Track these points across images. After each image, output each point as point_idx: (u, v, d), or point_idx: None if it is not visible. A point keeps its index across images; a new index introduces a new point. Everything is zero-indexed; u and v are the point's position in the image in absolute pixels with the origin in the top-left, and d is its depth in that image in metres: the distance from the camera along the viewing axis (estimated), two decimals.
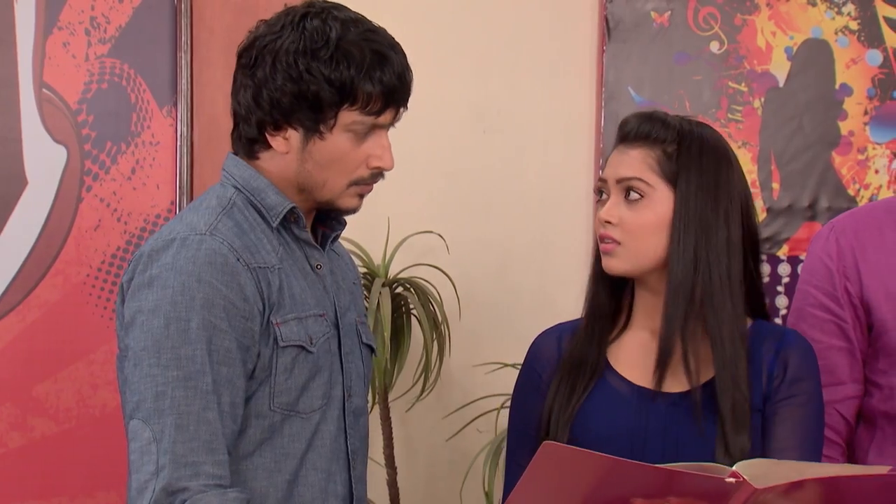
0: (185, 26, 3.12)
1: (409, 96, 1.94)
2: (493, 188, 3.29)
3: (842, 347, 2.04)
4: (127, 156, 3.13)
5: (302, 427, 1.91)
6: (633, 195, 1.93)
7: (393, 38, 1.95)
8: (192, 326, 1.81)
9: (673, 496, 1.66)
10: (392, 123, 1.95)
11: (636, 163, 1.94)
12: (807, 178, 3.31)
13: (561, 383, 1.96)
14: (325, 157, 1.90)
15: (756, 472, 1.63)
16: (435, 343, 3.14)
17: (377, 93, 1.88)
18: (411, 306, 3.16)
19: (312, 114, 1.88)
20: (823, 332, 2.05)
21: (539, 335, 2.05)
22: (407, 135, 3.32)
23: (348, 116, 1.88)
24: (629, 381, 1.94)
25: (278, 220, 1.92)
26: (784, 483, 1.62)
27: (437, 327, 3.14)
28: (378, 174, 1.95)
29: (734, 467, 1.64)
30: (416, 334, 3.17)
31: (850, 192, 3.30)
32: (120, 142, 3.12)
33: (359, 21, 1.92)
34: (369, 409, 3.12)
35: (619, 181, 1.94)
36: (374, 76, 1.87)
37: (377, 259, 3.19)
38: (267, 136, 1.92)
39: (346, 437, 1.97)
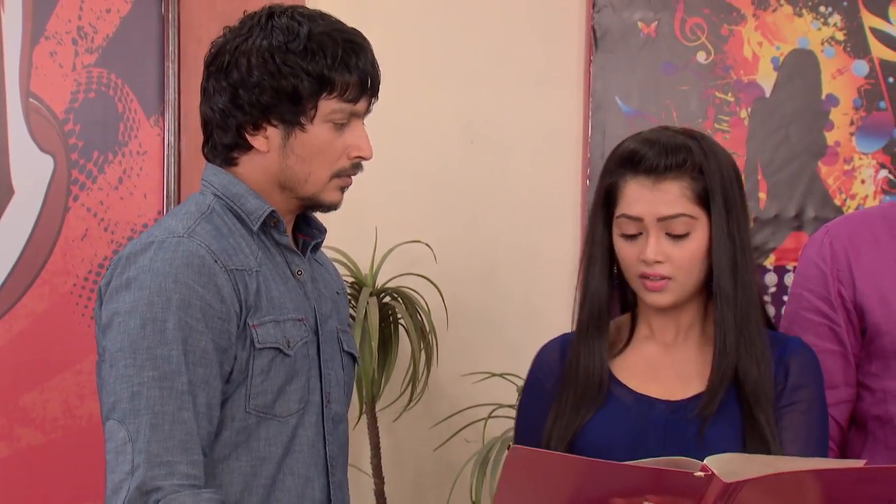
0: (173, 36, 3.13)
1: (379, 87, 1.98)
2: (481, 198, 3.29)
3: (835, 351, 2.05)
4: (114, 165, 3.13)
5: (279, 431, 1.91)
6: (680, 230, 1.90)
7: (359, 31, 1.99)
8: (169, 327, 1.82)
9: (650, 494, 1.67)
10: (366, 113, 1.98)
11: (675, 198, 1.89)
12: (793, 188, 3.32)
13: (565, 399, 1.95)
14: (308, 149, 1.92)
15: (727, 466, 1.63)
16: (422, 353, 3.14)
17: (353, 80, 1.92)
18: (399, 316, 3.16)
19: (292, 107, 1.90)
20: (817, 335, 2.05)
21: (543, 346, 2.05)
22: (395, 144, 3.34)
23: (327, 105, 1.91)
24: (643, 394, 1.94)
25: (258, 223, 1.93)
26: (755, 477, 1.62)
27: (424, 337, 3.14)
28: (358, 165, 1.97)
29: (704, 461, 1.64)
30: (404, 344, 3.17)
31: (837, 202, 3.31)
32: (107, 151, 3.12)
33: (324, 16, 1.96)
34: (356, 419, 3.14)
35: (660, 220, 1.90)
36: (349, 63, 1.91)
37: (364, 269, 3.19)
38: (247, 136, 1.94)
39: (324, 443, 1.97)
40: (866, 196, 3.31)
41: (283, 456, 1.92)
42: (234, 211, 1.94)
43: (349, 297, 3.13)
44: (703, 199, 1.91)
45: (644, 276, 1.91)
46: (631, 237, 1.92)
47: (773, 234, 3.29)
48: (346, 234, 3.27)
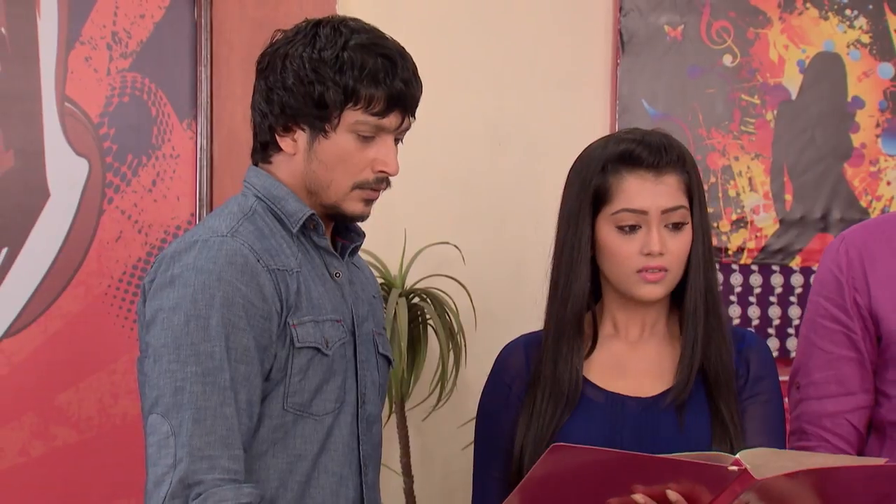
0: (205, 41, 3.17)
1: (415, 104, 1.99)
2: (508, 200, 3.32)
3: (852, 358, 2.06)
4: (148, 168, 3.17)
5: (314, 429, 1.94)
6: (678, 222, 1.96)
7: (402, 48, 2.00)
8: (212, 324, 1.85)
9: (674, 484, 1.70)
10: (399, 130, 1.99)
11: (675, 191, 1.96)
12: (819, 189, 3.34)
13: (539, 401, 1.96)
14: (330, 156, 1.95)
15: (757, 461, 1.66)
16: (451, 353, 3.16)
17: (379, 94, 1.93)
18: (427, 317, 3.19)
19: (318, 112, 1.94)
20: (834, 342, 2.07)
21: (505, 348, 2.08)
22: (424, 147, 3.37)
23: (352, 116, 1.94)
24: (613, 393, 1.96)
25: (298, 226, 1.97)
26: (782, 474, 1.65)
27: (452, 337, 3.17)
28: (383, 179, 1.99)
29: (737, 455, 1.67)
30: (433, 344, 3.20)
31: (863, 203, 3.33)
32: (141, 154, 3.16)
33: (369, 30, 1.98)
34: (386, 418, 3.17)
35: (664, 212, 1.95)
36: (377, 78, 1.93)
37: (394, 270, 3.22)
38: (277, 137, 1.98)
39: (358, 442, 1.99)
40: (892, 197, 3.32)
41: (319, 454, 1.95)
42: (274, 213, 1.98)
43: None
44: (689, 194, 1.98)
45: (643, 270, 1.94)
46: (629, 232, 1.95)
47: (798, 235, 3.30)
48: (375, 236, 3.29)
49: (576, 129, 3.31)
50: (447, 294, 3.21)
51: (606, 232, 1.96)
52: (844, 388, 2.06)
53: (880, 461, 1.74)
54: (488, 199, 3.33)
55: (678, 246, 1.95)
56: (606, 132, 3.30)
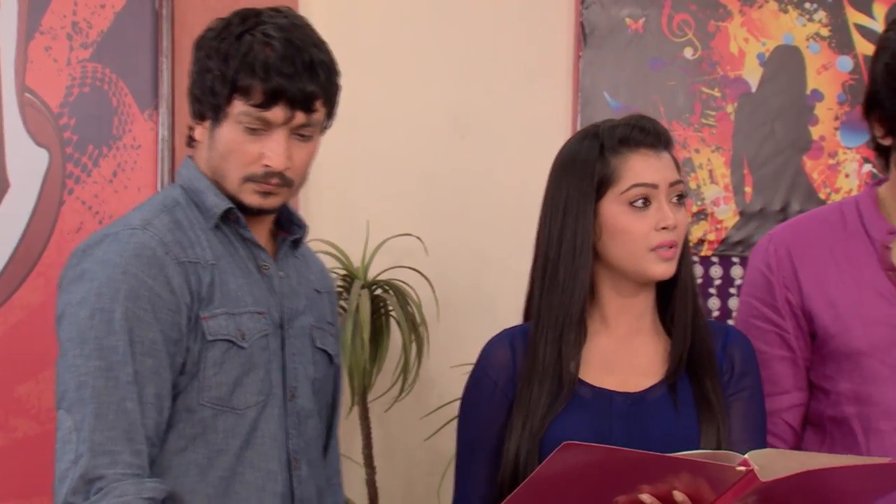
0: (167, 31, 3.15)
1: (307, 99, 1.92)
2: (471, 191, 3.33)
3: (784, 357, 2.08)
4: (108, 159, 3.16)
5: (237, 423, 1.92)
6: (681, 195, 1.98)
7: (309, 41, 1.94)
8: (116, 317, 1.84)
9: (680, 484, 1.71)
10: (292, 124, 1.93)
11: (674, 165, 1.98)
12: (779, 181, 3.36)
13: (535, 396, 1.95)
14: (222, 147, 1.94)
15: (764, 462, 1.67)
16: (413, 344, 3.17)
17: (257, 86, 1.90)
18: (390, 308, 3.19)
19: (213, 102, 1.93)
20: (766, 342, 2.08)
21: (490, 342, 2.05)
22: (386, 139, 3.38)
23: (236, 107, 1.91)
24: (602, 388, 1.96)
25: (213, 220, 1.95)
26: (786, 475, 1.66)
27: (415, 329, 3.18)
28: (272, 174, 1.93)
29: (746, 455, 1.68)
30: (395, 336, 3.21)
31: (822, 195, 3.36)
32: (101, 145, 3.14)
33: (281, 22, 1.94)
34: (348, 410, 3.17)
35: (671, 184, 1.96)
36: (254, 70, 1.89)
37: (356, 261, 3.22)
38: (194, 125, 1.99)
39: (287, 437, 1.97)
40: (850, 190, 3.35)
41: (243, 449, 1.92)
42: (197, 204, 1.96)
43: (341, 289, 3.17)
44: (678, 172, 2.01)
45: (659, 246, 1.95)
46: (642, 208, 1.95)
47: (758, 227, 3.33)
48: (338, 228, 3.31)
49: (538, 121, 3.32)
50: (410, 286, 3.21)
51: (617, 213, 1.96)
52: (779, 387, 2.08)
53: (884, 460, 1.77)
54: (451, 191, 3.34)
55: (684, 220, 1.97)
56: (568, 124, 3.32)
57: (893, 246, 2.03)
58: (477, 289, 3.31)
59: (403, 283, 3.21)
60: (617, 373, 1.98)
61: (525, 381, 1.97)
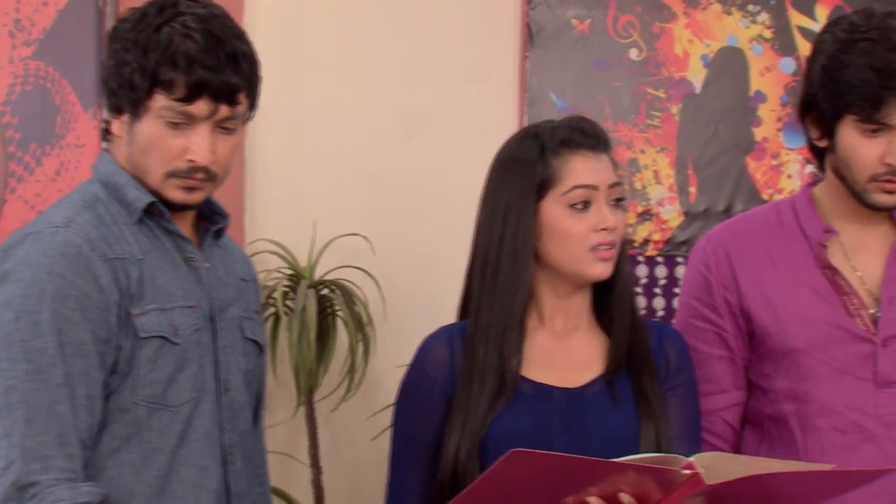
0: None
1: (231, 91, 1.87)
2: (418, 191, 3.33)
3: (723, 356, 2.10)
4: (51, 158, 3.13)
5: (171, 421, 1.88)
6: (619, 198, 1.99)
7: (230, 32, 1.90)
8: (43, 319, 1.80)
9: (627, 487, 1.72)
10: (216, 118, 1.88)
11: (612, 167, 2.00)
12: (723, 182, 3.39)
13: (476, 395, 1.95)
14: (143, 142, 1.89)
15: (709, 465, 1.69)
16: (360, 344, 3.17)
17: (180, 79, 1.85)
18: (337, 308, 3.19)
19: (131, 96, 1.88)
20: (705, 342, 2.10)
21: (427, 339, 2.05)
22: (333, 138, 3.37)
23: (157, 101, 1.86)
24: (541, 384, 1.97)
25: (136, 215, 1.91)
26: (730, 479, 1.68)
27: (362, 328, 3.18)
28: (196, 169, 1.89)
29: (691, 458, 1.70)
30: (342, 335, 3.21)
31: (764, 196, 3.39)
32: (44, 144, 3.12)
33: (199, 13, 1.89)
34: (294, 410, 3.17)
35: (610, 186, 1.98)
36: (177, 62, 1.84)
37: (303, 261, 3.21)
38: (111, 119, 1.93)
39: (221, 431, 1.94)
40: (792, 190, 3.38)
41: (178, 446, 1.89)
42: (118, 199, 1.92)
43: (287, 289, 3.17)
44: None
45: (598, 246, 1.96)
46: (581, 210, 1.97)
47: (702, 227, 3.35)
48: (284, 227, 3.30)
49: (485, 121, 3.33)
50: (356, 285, 3.21)
51: (558, 214, 1.97)
52: (718, 386, 2.10)
53: (827, 467, 1.79)
54: (398, 191, 3.34)
55: (621, 222, 1.99)
56: (515, 124, 3.32)
57: (830, 245, 2.05)
58: (424, 288, 3.31)
59: (350, 282, 3.21)
60: (556, 368, 2.00)
61: (465, 379, 1.97)
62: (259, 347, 2.05)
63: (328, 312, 3.20)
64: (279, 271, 3.22)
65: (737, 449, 2.12)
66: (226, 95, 1.87)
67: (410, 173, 3.34)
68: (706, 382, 2.09)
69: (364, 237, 3.26)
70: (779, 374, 2.06)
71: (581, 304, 2.02)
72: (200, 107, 1.86)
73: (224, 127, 1.90)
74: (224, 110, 1.88)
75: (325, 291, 3.20)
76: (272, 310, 3.16)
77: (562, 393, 1.97)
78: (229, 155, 1.93)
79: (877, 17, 1.95)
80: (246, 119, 1.95)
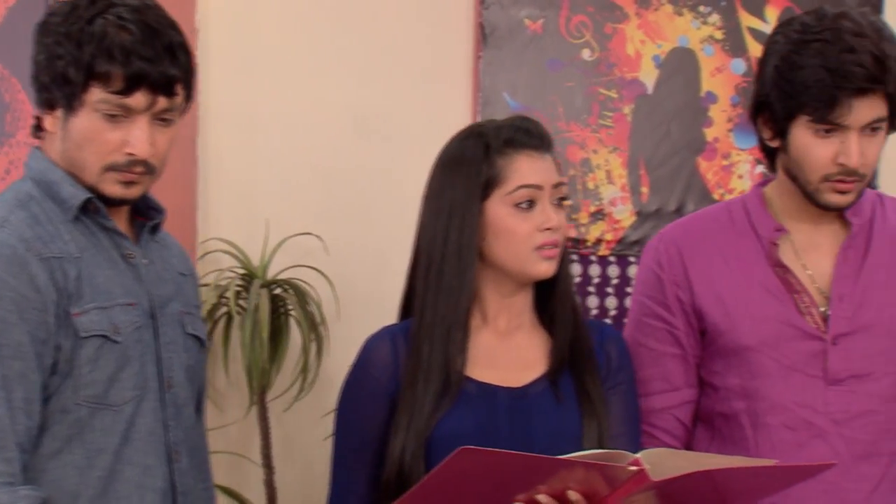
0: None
1: (169, 83, 1.86)
2: (372, 191, 3.33)
3: (675, 354, 2.11)
4: (0, 156, 3.10)
5: (114, 420, 1.86)
6: (562, 197, 2.00)
7: (164, 23, 1.89)
8: None
9: (575, 484, 1.73)
10: (154, 110, 1.87)
11: (556, 168, 2.01)
12: (674, 182, 3.42)
13: (421, 395, 1.96)
14: (79, 136, 1.86)
15: (655, 461, 1.70)
16: (313, 344, 3.17)
17: (117, 72, 1.82)
18: (290, 307, 3.18)
19: (65, 90, 1.84)
20: (658, 340, 2.12)
21: (370, 339, 2.06)
22: (286, 137, 3.36)
23: (94, 94, 1.83)
24: (486, 383, 1.98)
25: (72, 212, 1.88)
26: (676, 475, 1.69)
27: (315, 328, 3.17)
28: (136, 162, 1.87)
29: (638, 455, 1.71)
30: (295, 335, 3.20)
31: (716, 196, 3.41)
32: None
33: (131, 5, 1.87)
34: (246, 410, 3.16)
35: (554, 186, 1.99)
36: (113, 54, 1.82)
37: (256, 260, 3.20)
38: (42, 114, 1.90)
39: (166, 429, 1.92)
40: (743, 190, 3.39)
41: (121, 446, 1.87)
42: (52, 197, 1.88)
43: (240, 288, 3.16)
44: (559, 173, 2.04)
45: (543, 246, 1.97)
46: (526, 209, 1.97)
47: (654, 227, 3.37)
48: (236, 227, 3.29)
49: (439, 121, 3.32)
50: (310, 285, 3.20)
51: (503, 213, 1.98)
52: (670, 384, 2.12)
53: (769, 462, 1.81)
54: (351, 190, 3.34)
55: (564, 221, 2.01)
56: (469, 124, 3.32)
57: (781, 243, 2.07)
58: (377, 288, 3.30)
59: (303, 282, 3.21)
60: (499, 367, 2.00)
61: (410, 379, 1.97)
62: (200, 342, 2.03)
63: (281, 312, 3.19)
64: (232, 270, 3.21)
65: (688, 446, 2.14)
66: (164, 87, 1.85)
67: (364, 172, 3.34)
68: (658, 380, 2.11)
69: (317, 236, 3.25)
70: (730, 372, 2.07)
71: (523, 302, 2.03)
72: (139, 99, 1.84)
73: (162, 118, 1.88)
74: (162, 102, 1.86)
75: (278, 291, 3.19)
76: (224, 309, 3.15)
77: (506, 392, 1.98)
78: (167, 148, 1.91)
79: (829, 18, 1.97)
80: (183, 111, 1.93)
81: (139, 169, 1.87)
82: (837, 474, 2.00)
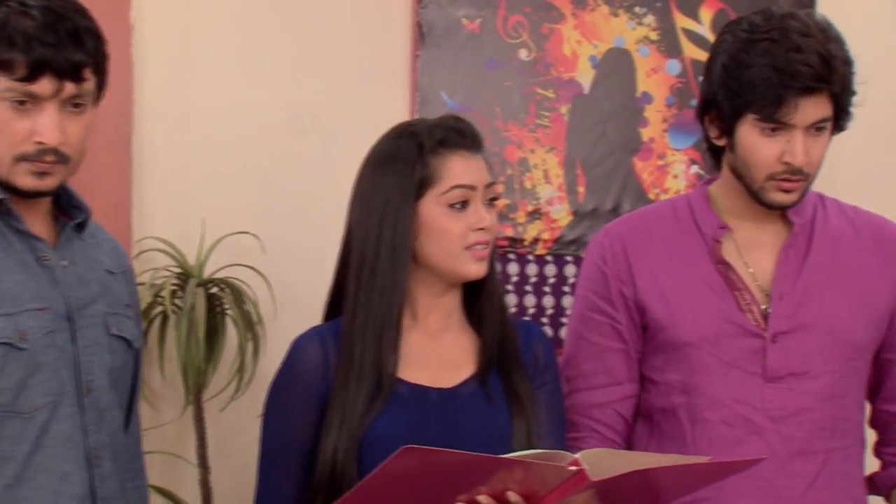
0: None
1: (76, 68, 1.82)
2: (309, 189, 3.32)
3: (618, 349, 2.13)
4: None
5: (24, 428, 1.82)
6: (494, 197, 2.01)
7: (74, 6, 1.86)
8: None
9: (513, 484, 1.73)
10: (62, 96, 1.83)
11: (487, 168, 2.02)
12: (610, 182, 3.44)
13: (354, 396, 1.95)
14: None
15: (594, 461, 1.71)
16: (250, 343, 3.15)
17: (19, 59, 1.79)
18: (226, 306, 3.16)
19: None
20: (601, 334, 2.13)
21: (298, 340, 2.05)
22: (222, 136, 3.34)
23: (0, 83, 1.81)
24: (417, 384, 1.98)
25: None
26: (614, 475, 1.70)
27: (251, 327, 3.16)
28: (46, 151, 1.82)
29: (577, 455, 1.72)
30: (231, 334, 3.18)
31: (651, 196, 3.44)
32: None
33: None
34: (182, 410, 3.13)
35: (486, 186, 2.00)
36: (14, 41, 1.79)
37: (192, 259, 3.18)
38: None
39: (85, 434, 1.88)
40: (678, 190, 3.44)
41: (32, 453, 1.83)
42: None
43: (176, 287, 3.13)
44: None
45: (475, 246, 1.98)
46: (460, 209, 1.98)
47: (591, 227, 3.39)
48: (172, 225, 3.26)
49: (376, 120, 3.29)
50: (247, 284, 3.19)
51: (436, 213, 1.98)
52: (612, 378, 2.13)
53: (702, 459, 1.83)
54: (289, 189, 3.33)
55: (495, 221, 2.01)
56: None
57: (724, 241, 2.10)
58: (314, 287, 3.26)
59: (240, 281, 3.19)
60: (430, 368, 2.01)
61: (342, 380, 1.96)
62: (127, 343, 1.99)
63: (217, 311, 3.17)
64: (167, 269, 3.18)
65: (628, 441, 2.15)
66: (70, 72, 1.82)
67: (301, 171, 3.33)
68: (601, 374, 2.12)
69: (254, 235, 3.24)
70: (670, 368, 2.09)
71: (452, 302, 2.04)
72: (44, 85, 1.80)
73: (74, 104, 1.84)
74: (70, 88, 1.82)
75: (214, 290, 3.17)
76: (160, 308, 3.13)
77: (437, 393, 1.98)
78: (81, 135, 1.86)
79: (777, 18, 1.99)
80: (96, 98, 1.88)
81: (50, 158, 1.83)
82: (773, 471, 2.02)
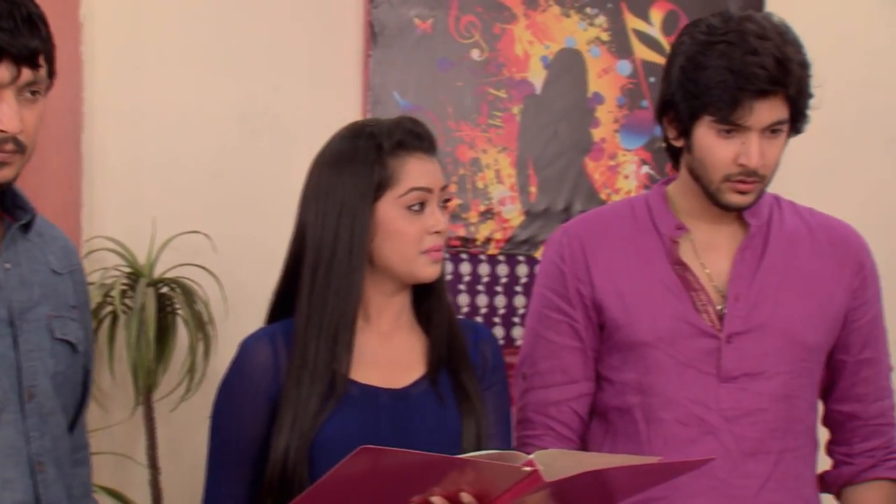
0: None
1: (31, 54, 1.79)
2: (261, 188, 3.31)
3: (575, 347, 2.14)
4: None
5: None
6: (448, 199, 2.01)
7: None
8: None
9: (467, 485, 1.74)
10: (19, 83, 1.80)
11: (441, 170, 2.01)
12: (562, 182, 3.45)
13: (305, 397, 1.94)
14: None
15: (548, 462, 1.72)
16: (201, 343, 3.14)
17: None
18: (177, 306, 3.15)
19: None
20: (558, 332, 2.14)
21: (248, 341, 2.02)
22: (173, 135, 3.32)
23: None
24: (367, 385, 1.98)
25: None
26: (567, 475, 1.71)
27: (202, 327, 3.14)
28: (7, 139, 1.79)
29: (531, 456, 1.73)
30: (182, 334, 3.16)
31: (602, 196, 3.46)
32: None
33: None
34: (132, 410, 3.11)
35: (442, 189, 2.00)
36: None
37: (142, 259, 3.16)
38: None
39: (27, 441, 1.84)
40: (629, 190, 3.46)
41: None
42: None
43: (126, 287, 3.11)
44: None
45: (430, 249, 1.98)
46: (417, 212, 1.98)
47: (543, 226, 3.41)
48: (122, 224, 3.24)
49: (328, 119, 3.28)
50: (198, 283, 3.17)
51: (394, 215, 1.97)
52: (568, 376, 2.14)
53: (653, 460, 1.84)
54: (240, 188, 3.31)
55: (448, 223, 2.01)
56: None
57: (681, 242, 2.11)
58: (266, 287, 3.24)
59: (191, 280, 3.17)
60: (381, 369, 2.00)
61: (294, 380, 1.95)
62: (72, 347, 1.94)
63: (168, 311, 3.15)
64: (117, 269, 3.16)
65: (584, 439, 2.16)
66: (27, 59, 1.79)
67: (252, 171, 3.31)
68: (557, 372, 2.13)
69: (205, 235, 3.22)
70: (626, 367, 2.10)
71: (403, 303, 2.04)
72: (2, 73, 1.77)
73: (30, 91, 1.82)
74: (27, 74, 1.79)
75: (164, 290, 3.15)
76: (110, 308, 3.10)
77: (388, 394, 1.98)
78: (37, 125, 1.83)
79: (734, 21, 2.01)
80: (48, 86, 1.85)
81: (9, 147, 1.79)
82: (726, 471, 2.04)
